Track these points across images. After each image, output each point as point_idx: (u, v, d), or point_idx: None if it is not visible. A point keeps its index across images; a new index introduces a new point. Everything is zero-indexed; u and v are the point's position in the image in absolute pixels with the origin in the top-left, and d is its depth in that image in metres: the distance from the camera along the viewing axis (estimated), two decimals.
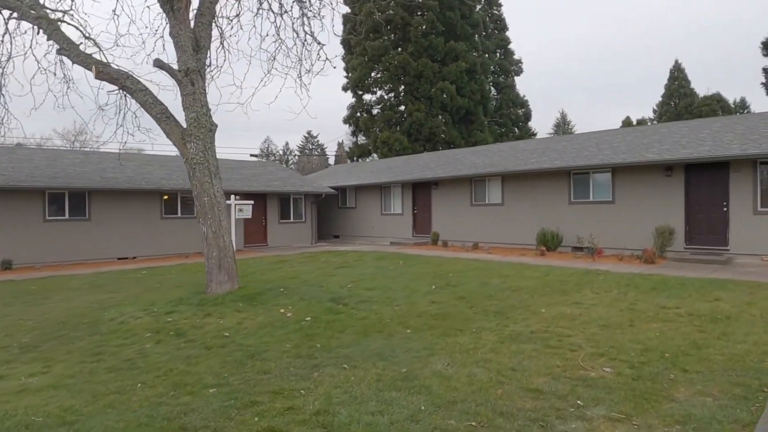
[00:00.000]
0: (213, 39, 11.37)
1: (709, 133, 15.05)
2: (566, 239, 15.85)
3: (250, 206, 21.09)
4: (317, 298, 8.78)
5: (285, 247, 21.68)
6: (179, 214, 20.06)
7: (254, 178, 23.45)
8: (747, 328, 6.28)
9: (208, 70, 11.72)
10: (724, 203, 13.36)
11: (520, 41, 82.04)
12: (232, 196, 20.60)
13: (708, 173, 13.67)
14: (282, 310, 7.77)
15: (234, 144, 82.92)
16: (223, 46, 11.73)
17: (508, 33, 45.31)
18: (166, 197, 19.90)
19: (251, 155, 39.92)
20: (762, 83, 23.84)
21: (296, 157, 73.33)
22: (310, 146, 73.75)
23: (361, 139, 40.12)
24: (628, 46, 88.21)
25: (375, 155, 37.91)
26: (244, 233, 21.67)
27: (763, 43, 23.93)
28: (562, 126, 60.62)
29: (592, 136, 19.46)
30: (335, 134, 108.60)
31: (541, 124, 78.05)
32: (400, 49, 36.64)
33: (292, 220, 23.41)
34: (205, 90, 9.02)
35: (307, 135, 72.80)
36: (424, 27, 35.92)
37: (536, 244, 16.06)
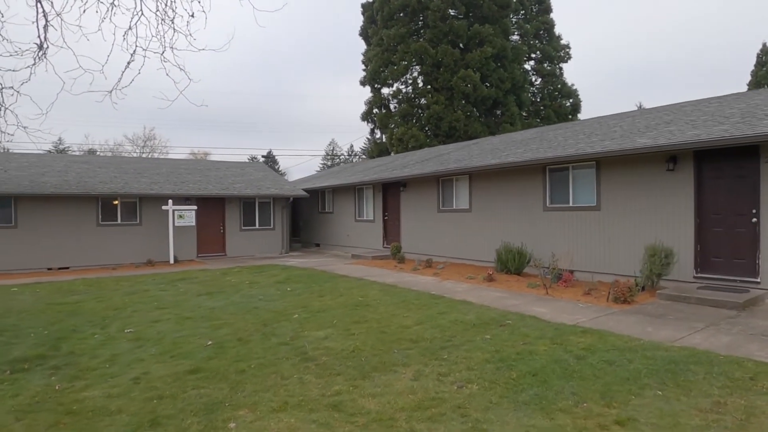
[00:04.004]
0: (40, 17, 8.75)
1: (742, 109, 10.31)
2: (538, 256, 11.69)
3: (193, 212, 18.53)
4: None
5: (246, 258, 18.94)
6: (119, 221, 17.94)
7: (218, 180, 20.94)
8: None
9: (33, 53, 9.15)
10: (753, 210, 8.74)
11: (586, 29, 74.79)
12: (170, 201, 18.23)
13: (729, 166, 9.08)
14: None
15: (302, 147, 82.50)
16: (46, 19, 9.06)
17: (552, 15, 40.06)
18: (115, 202, 17.88)
19: (251, 157, 37.80)
20: None
21: (360, 158, 71.64)
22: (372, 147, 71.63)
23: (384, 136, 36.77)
24: (710, 28, 77.81)
25: (392, 154, 34.44)
26: (197, 242, 19.21)
27: None
28: None
29: (595, 121, 14.88)
30: None
31: None
32: (418, 36, 32.96)
33: (257, 227, 20.61)
34: None
35: (369, 137, 70.99)
36: (443, 10, 32.03)
37: (495, 263, 12.02)
